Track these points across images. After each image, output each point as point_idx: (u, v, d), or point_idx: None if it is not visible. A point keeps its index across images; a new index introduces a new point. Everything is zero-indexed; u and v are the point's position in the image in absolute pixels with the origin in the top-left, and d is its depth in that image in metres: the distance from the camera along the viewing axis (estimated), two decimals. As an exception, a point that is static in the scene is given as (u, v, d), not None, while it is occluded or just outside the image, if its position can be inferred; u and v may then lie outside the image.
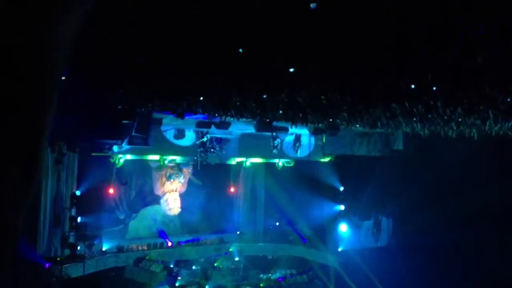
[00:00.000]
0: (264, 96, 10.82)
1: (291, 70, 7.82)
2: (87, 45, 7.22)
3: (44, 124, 0.67)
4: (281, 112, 12.95)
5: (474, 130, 12.90)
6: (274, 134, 17.51)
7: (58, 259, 16.54)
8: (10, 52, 0.59)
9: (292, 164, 20.90)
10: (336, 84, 9.19)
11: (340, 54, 7.36)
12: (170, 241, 20.21)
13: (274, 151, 17.98)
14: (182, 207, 21.24)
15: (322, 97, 10.53)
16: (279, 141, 17.99)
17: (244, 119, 14.66)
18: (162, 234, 20.47)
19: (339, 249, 20.89)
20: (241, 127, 17.07)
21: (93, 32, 6.57)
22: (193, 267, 20.71)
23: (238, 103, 11.83)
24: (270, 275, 21.23)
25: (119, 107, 13.44)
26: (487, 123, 11.29)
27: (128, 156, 18.32)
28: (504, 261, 16.23)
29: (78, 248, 17.11)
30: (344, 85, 9.24)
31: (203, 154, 18.02)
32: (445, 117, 11.43)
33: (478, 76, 7.45)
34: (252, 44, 6.74)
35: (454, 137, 13.87)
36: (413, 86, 8.36)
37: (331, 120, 14.60)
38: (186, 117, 15.22)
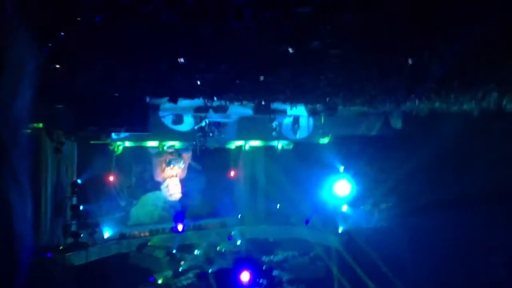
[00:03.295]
0: (261, 77, 10.77)
1: (290, 50, 7.77)
2: (83, 32, 7.16)
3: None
4: (278, 93, 12.93)
5: (473, 106, 12.88)
6: (272, 116, 17.45)
7: (60, 247, 16.60)
8: None
9: (291, 146, 20.87)
10: (333, 63, 9.14)
11: (337, 33, 7.31)
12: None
13: (273, 133, 17.95)
14: (182, 193, 21.27)
15: (321, 77, 10.50)
16: (277, 123, 17.95)
17: (241, 102, 14.64)
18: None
19: (340, 230, 20.96)
20: (239, 111, 17.01)
21: (88, 19, 6.52)
22: (196, 252, 20.82)
23: (235, 86, 11.79)
24: (272, 257, 21.34)
25: (116, 94, 13.36)
26: (486, 98, 11.28)
27: (127, 143, 18.28)
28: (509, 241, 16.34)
29: (81, 236, 17.19)
30: (340, 64, 9.19)
31: (202, 139, 17.98)
32: (443, 92, 11.42)
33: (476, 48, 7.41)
34: (248, 24, 6.67)
35: (454, 114, 13.86)
36: (410, 62, 8.33)
37: (328, 99, 14.59)
38: (184, 102, 15.16)
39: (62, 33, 7.21)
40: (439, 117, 15.37)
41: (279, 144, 20.77)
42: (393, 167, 19.58)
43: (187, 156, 21.20)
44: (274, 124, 17.81)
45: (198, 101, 15.08)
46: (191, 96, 13.87)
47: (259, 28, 7.14)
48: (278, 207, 23.01)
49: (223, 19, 6.74)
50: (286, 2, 5.97)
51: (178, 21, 6.90)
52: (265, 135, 19.00)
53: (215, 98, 13.92)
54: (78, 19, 6.63)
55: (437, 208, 18.36)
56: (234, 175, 22.80)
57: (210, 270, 20.08)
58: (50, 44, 7.57)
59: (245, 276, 17.50)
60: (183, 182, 21.30)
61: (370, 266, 19.21)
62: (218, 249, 21.38)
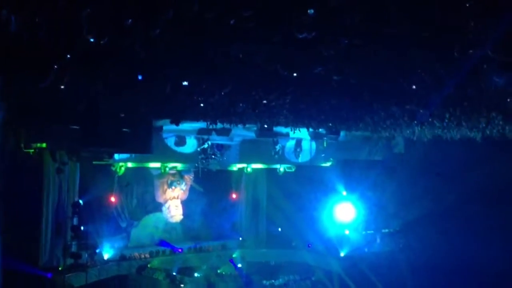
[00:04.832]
0: (264, 101, 10.83)
1: (295, 75, 7.82)
2: (88, 54, 7.23)
3: None
4: (281, 117, 12.97)
5: (476, 133, 12.91)
6: (275, 139, 17.50)
7: (60, 268, 16.48)
8: None
9: (293, 170, 20.85)
10: (336, 89, 9.18)
11: (339, 58, 7.36)
12: (174, 247, 20.24)
13: (276, 156, 17.97)
14: (184, 214, 21.19)
15: (323, 102, 10.55)
16: (280, 146, 17.99)
17: (244, 125, 14.70)
18: (164, 243, 20.45)
19: (342, 254, 20.80)
20: (241, 133, 17.07)
21: (94, 40, 6.58)
22: (196, 275, 20.64)
23: (239, 110, 11.84)
24: (273, 281, 21.14)
25: (122, 115, 13.44)
26: (489, 125, 11.30)
27: (129, 164, 18.29)
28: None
29: (81, 257, 17.05)
30: (344, 90, 9.24)
31: (204, 161, 17.99)
32: (446, 120, 11.44)
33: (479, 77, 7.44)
34: (251, 48, 6.74)
35: (456, 140, 13.89)
36: (414, 87, 8.37)
37: (330, 124, 14.64)
38: (187, 124, 15.23)
39: (68, 55, 7.29)
40: (441, 142, 15.41)
41: (281, 167, 20.77)
42: (395, 192, 19.53)
43: (189, 177, 21.17)
44: (278, 147, 17.84)
45: (201, 123, 15.15)
46: (195, 119, 13.95)
47: (263, 52, 7.21)
48: (279, 230, 22.89)
49: (227, 43, 6.81)
50: (288, 27, 6.04)
51: (183, 44, 6.98)
52: (267, 158, 19.02)
53: (217, 121, 13.97)
54: (84, 41, 6.70)
55: (439, 233, 18.26)
56: (236, 197, 22.73)
57: (210, 294, 19.91)
58: (55, 66, 7.64)
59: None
60: (184, 203, 21.23)
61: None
62: (219, 272, 21.19)
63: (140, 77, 8.64)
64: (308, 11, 5.53)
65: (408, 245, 20.36)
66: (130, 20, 5.75)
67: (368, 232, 21.32)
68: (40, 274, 15.72)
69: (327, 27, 6.03)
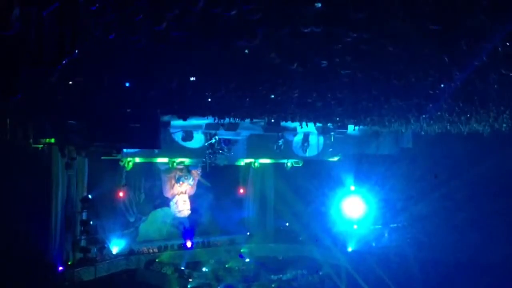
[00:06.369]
0: (272, 96, 10.83)
1: (301, 69, 7.81)
2: (95, 50, 7.26)
3: None
4: (289, 112, 12.97)
5: (484, 127, 12.84)
6: (279, 134, 17.53)
7: (69, 263, 16.62)
8: None
9: (300, 164, 20.84)
10: (344, 83, 9.16)
11: (345, 53, 7.34)
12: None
13: (277, 150, 18.03)
14: (191, 209, 21.25)
15: (330, 96, 10.53)
16: (283, 141, 18.03)
17: (252, 120, 14.70)
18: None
19: (350, 249, 20.79)
20: (249, 127, 17.07)
21: (101, 36, 6.61)
22: (204, 269, 20.72)
23: (246, 104, 11.84)
24: (281, 275, 21.16)
25: (128, 110, 13.48)
26: (498, 119, 11.24)
27: (137, 159, 18.37)
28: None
29: (91, 251, 17.17)
30: (352, 84, 9.21)
31: (211, 156, 18.03)
32: (454, 114, 11.40)
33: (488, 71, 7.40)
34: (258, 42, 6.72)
35: (464, 134, 13.82)
36: (422, 81, 8.33)
37: (338, 119, 14.62)
38: (194, 119, 15.26)
39: (76, 51, 7.31)
40: (449, 136, 15.35)
41: (289, 162, 20.75)
42: (403, 186, 19.48)
43: (197, 172, 21.21)
44: (280, 142, 17.88)
45: (209, 118, 15.17)
46: (202, 114, 13.96)
47: (269, 47, 7.20)
48: (287, 224, 22.91)
49: (234, 38, 6.81)
50: (294, 22, 6.03)
51: (189, 40, 6.98)
52: (274, 153, 19.01)
53: (225, 116, 13.99)
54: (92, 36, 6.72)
55: (448, 228, 18.22)
56: (243, 192, 22.76)
57: (218, 288, 19.96)
58: (64, 62, 7.66)
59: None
60: (192, 198, 21.28)
61: (379, 285, 19.01)
62: (227, 266, 21.25)
63: (148, 73, 8.67)
64: (316, 4, 5.52)
65: (416, 240, 20.30)
66: (137, 16, 5.76)
67: (376, 226, 21.29)
68: (50, 269, 15.84)
69: (334, 21, 6.02)
